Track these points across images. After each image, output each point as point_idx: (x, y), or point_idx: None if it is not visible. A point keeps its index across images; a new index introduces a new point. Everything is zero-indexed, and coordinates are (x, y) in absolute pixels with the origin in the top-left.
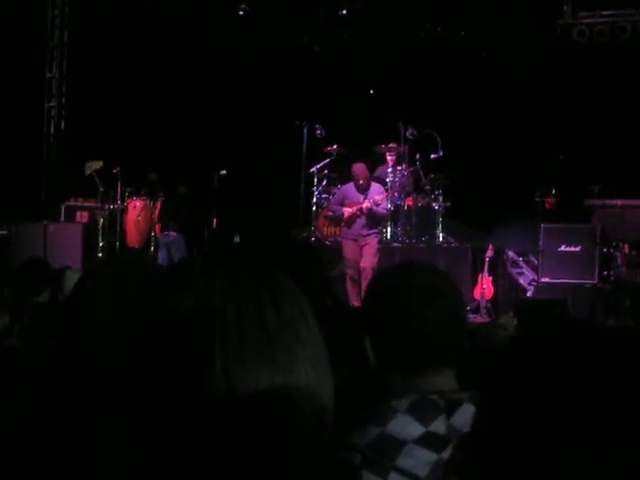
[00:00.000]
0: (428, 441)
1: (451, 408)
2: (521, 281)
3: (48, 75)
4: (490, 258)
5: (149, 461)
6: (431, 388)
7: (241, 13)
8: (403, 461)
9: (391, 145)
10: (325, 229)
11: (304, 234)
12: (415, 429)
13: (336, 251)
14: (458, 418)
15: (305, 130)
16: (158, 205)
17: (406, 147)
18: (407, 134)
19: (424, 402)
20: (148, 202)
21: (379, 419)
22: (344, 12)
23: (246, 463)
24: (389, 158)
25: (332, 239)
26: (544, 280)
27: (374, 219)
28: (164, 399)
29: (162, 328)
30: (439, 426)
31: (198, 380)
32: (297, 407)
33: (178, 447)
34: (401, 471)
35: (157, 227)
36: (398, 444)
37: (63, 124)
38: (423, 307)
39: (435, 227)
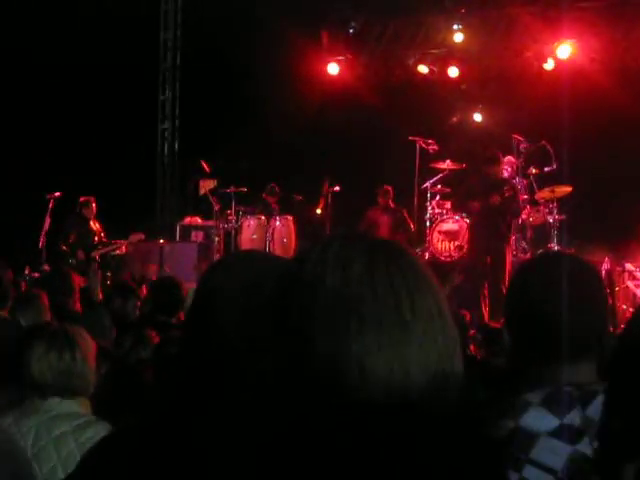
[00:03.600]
0: (562, 433)
1: (586, 399)
2: (639, 293)
3: (161, 97)
4: (606, 271)
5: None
6: (567, 379)
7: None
8: (537, 454)
9: (506, 158)
10: (439, 244)
11: (418, 249)
12: (549, 422)
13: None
14: (593, 409)
15: (417, 146)
16: (272, 223)
17: (520, 160)
18: (520, 147)
19: (558, 394)
20: (262, 220)
21: (513, 412)
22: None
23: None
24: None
25: (447, 254)
26: None
27: None
28: (291, 381)
29: (295, 306)
30: (574, 418)
31: (332, 362)
32: (431, 392)
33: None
34: (536, 464)
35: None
36: (532, 437)
37: (177, 145)
38: (561, 296)
39: (550, 241)
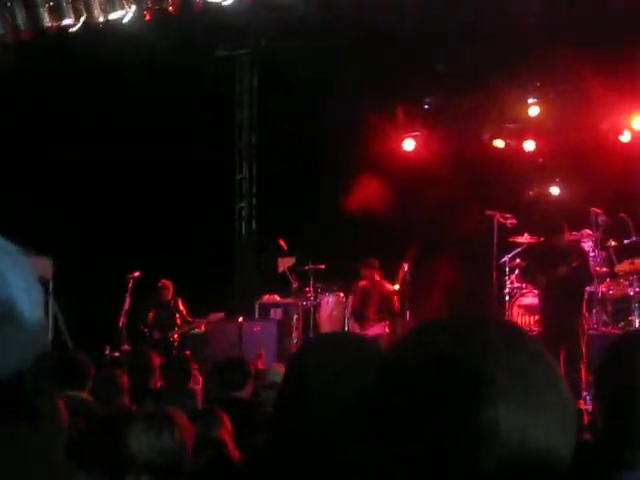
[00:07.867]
0: None
1: None
2: None
3: (238, 176)
4: None
5: None
6: None
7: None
8: None
9: (584, 232)
10: (520, 319)
11: None
12: None
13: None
14: None
15: (495, 220)
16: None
17: (598, 233)
18: (598, 220)
19: None
20: (341, 297)
21: None
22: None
23: None
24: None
25: (528, 329)
26: None
27: None
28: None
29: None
30: None
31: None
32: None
33: None
34: None
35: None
36: None
37: (254, 223)
38: None
39: (631, 314)
